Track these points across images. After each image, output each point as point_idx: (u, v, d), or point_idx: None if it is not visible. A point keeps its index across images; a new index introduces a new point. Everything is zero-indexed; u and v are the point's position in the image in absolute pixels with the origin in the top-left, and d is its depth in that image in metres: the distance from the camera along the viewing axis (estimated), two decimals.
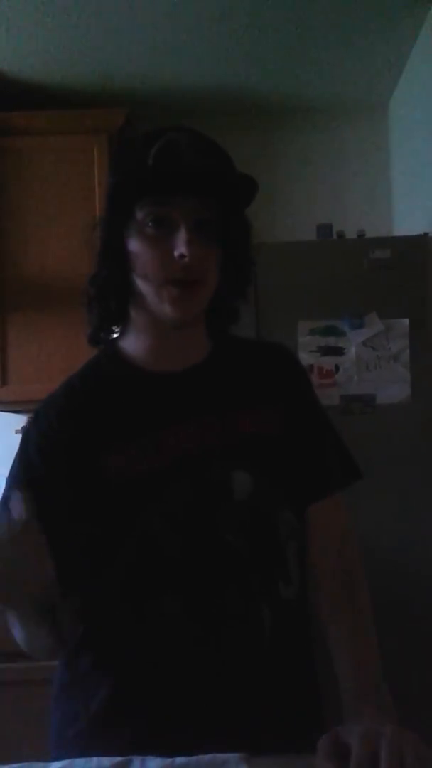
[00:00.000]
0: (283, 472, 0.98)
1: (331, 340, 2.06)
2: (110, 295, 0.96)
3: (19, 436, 2.83)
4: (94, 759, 0.78)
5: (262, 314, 1.97)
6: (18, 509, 0.78)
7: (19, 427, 2.78)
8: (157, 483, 0.91)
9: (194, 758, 0.77)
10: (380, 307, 2.10)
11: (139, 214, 0.91)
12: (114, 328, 1.00)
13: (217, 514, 0.92)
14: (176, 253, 0.89)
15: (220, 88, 2.71)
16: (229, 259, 0.96)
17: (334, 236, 2.30)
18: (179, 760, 0.77)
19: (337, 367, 2.07)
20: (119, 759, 0.78)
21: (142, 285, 0.93)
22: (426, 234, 2.20)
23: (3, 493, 0.95)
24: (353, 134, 2.95)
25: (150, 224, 0.91)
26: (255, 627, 0.91)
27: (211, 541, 0.92)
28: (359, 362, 2.08)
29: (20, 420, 2.77)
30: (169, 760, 0.77)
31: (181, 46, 2.44)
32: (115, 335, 1.02)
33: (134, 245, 0.92)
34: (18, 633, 0.91)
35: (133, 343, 0.99)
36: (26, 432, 0.98)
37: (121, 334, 1.00)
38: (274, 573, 0.95)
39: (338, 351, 2.06)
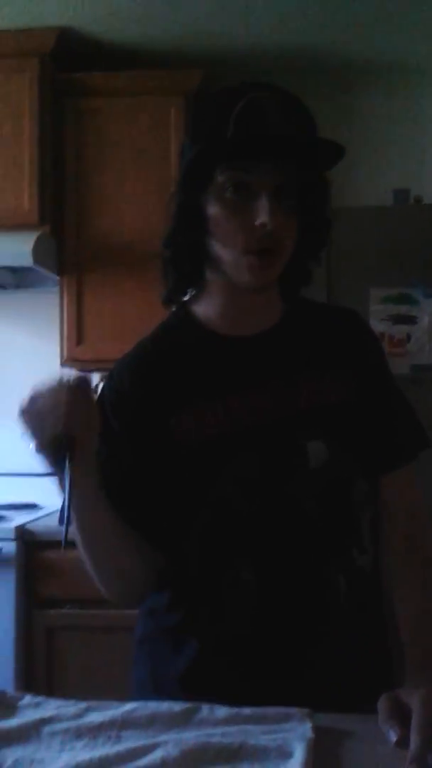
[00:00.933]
0: (356, 441, 0.98)
1: (404, 309, 2.03)
2: (185, 258, 0.97)
3: (94, 395, 2.90)
4: (166, 703, 0.82)
5: (334, 281, 1.95)
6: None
7: (94, 386, 2.87)
8: (229, 448, 0.93)
9: (260, 709, 0.81)
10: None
11: (219, 179, 0.89)
12: (188, 289, 1.01)
13: (292, 482, 0.94)
14: (257, 223, 0.87)
15: (298, 48, 2.65)
16: (307, 222, 0.94)
17: (411, 201, 2.24)
18: (246, 710, 0.81)
19: (408, 336, 2.04)
20: (189, 705, 0.82)
21: (220, 250, 0.92)
22: None
23: None
24: (402, 99, 2.83)
25: (230, 189, 0.89)
26: (330, 593, 0.94)
27: (287, 508, 0.93)
28: (431, 331, 2.04)
29: (95, 378, 2.86)
30: (236, 709, 0.81)
31: (260, 5, 2.39)
32: (188, 297, 1.03)
33: (213, 209, 0.91)
34: (95, 570, 0.96)
35: (206, 306, 1.00)
36: (101, 391, 1.00)
37: (195, 296, 1.01)
38: (348, 541, 0.96)
39: (410, 320, 2.03)
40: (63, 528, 0.87)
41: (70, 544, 0.87)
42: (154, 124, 2.56)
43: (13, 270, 2.69)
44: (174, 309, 1.05)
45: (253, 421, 0.94)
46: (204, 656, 0.95)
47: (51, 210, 2.54)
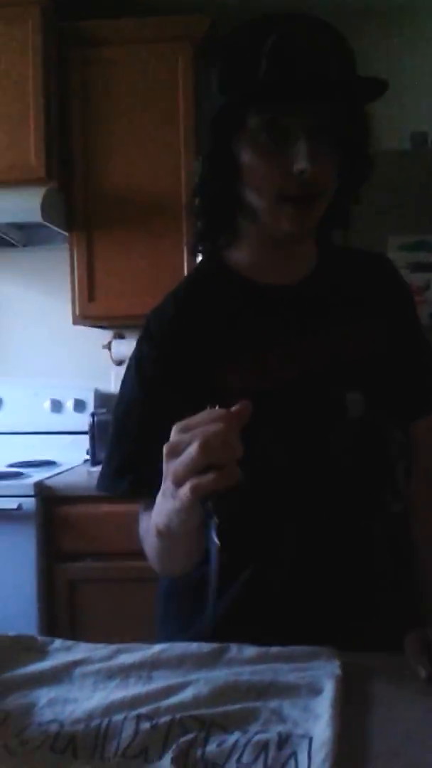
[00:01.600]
0: (391, 390, 0.98)
1: (422, 256, 1.99)
2: (217, 206, 0.93)
3: (106, 351, 2.89)
4: (195, 644, 0.84)
5: (350, 229, 1.89)
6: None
7: (106, 342, 2.87)
8: (273, 401, 0.91)
9: (288, 648, 0.82)
10: None
11: (252, 123, 0.84)
12: (220, 238, 0.97)
13: (331, 434, 0.93)
14: (296, 168, 0.82)
15: None
16: (348, 162, 0.89)
17: (429, 145, 2.18)
18: (274, 649, 0.82)
19: (428, 284, 2.01)
20: (218, 645, 0.83)
21: (254, 199, 0.88)
22: None
23: (117, 414, 0.97)
24: (425, 39, 2.73)
25: (264, 133, 0.83)
26: (366, 539, 0.95)
27: (325, 459, 0.93)
28: None
29: (107, 335, 2.85)
30: (264, 648, 0.82)
31: None
32: (220, 246, 0.99)
33: (246, 156, 0.86)
34: (157, 552, 0.90)
35: (240, 255, 0.97)
36: (139, 345, 0.97)
37: (227, 244, 0.98)
38: (383, 489, 0.96)
39: (429, 267, 1.99)
40: (211, 608, 0.78)
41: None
42: (161, 73, 2.49)
43: (21, 227, 2.67)
44: (202, 258, 1.02)
45: (294, 373, 0.92)
46: (240, 605, 0.95)
47: (58, 164, 2.50)
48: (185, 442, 0.69)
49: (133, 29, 2.50)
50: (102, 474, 0.97)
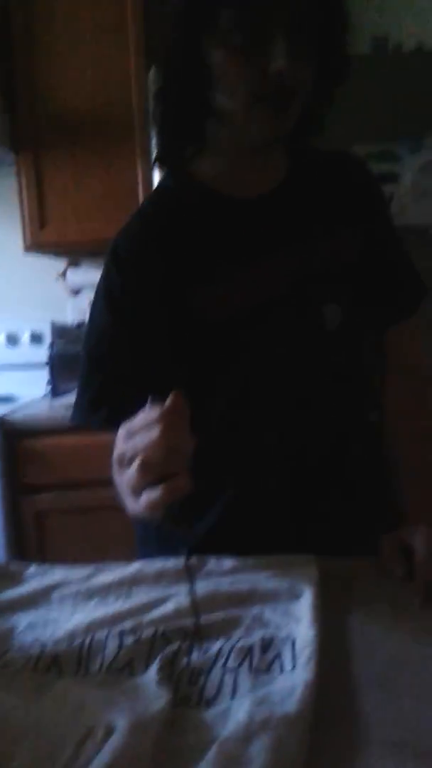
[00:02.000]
0: (367, 298, 0.97)
1: (386, 167, 1.95)
2: (184, 112, 0.87)
3: (61, 279, 2.82)
4: (172, 559, 0.83)
5: (314, 138, 1.83)
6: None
7: (61, 271, 2.78)
8: (250, 317, 0.89)
9: (266, 557, 0.82)
10: None
11: (224, 17, 0.78)
12: (186, 148, 0.92)
13: (310, 346, 0.92)
14: (272, 67, 0.77)
15: None
16: (324, 59, 0.82)
17: (390, 50, 2.10)
18: (251, 559, 0.82)
19: (391, 195, 1.97)
20: (196, 558, 0.83)
21: (226, 101, 0.82)
22: None
23: (89, 344, 0.93)
24: None
25: (238, 30, 0.77)
26: (345, 447, 0.96)
27: (305, 371, 0.93)
28: (414, 190, 1.97)
29: (61, 264, 2.76)
30: (242, 559, 0.82)
31: None
32: (187, 156, 0.93)
33: (218, 55, 0.80)
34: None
35: (208, 166, 0.92)
36: (106, 270, 0.93)
37: (194, 155, 0.92)
38: (361, 398, 0.98)
39: (393, 178, 1.95)
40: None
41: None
42: None
43: None
44: (165, 173, 0.97)
45: (271, 289, 0.90)
46: (225, 518, 0.95)
47: (1, 83, 2.34)
48: (129, 454, 0.67)
49: None
50: (76, 406, 0.94)
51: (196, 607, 0.71)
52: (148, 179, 2.28)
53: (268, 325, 0.90)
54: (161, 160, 0.94)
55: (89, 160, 2.39)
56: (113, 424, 0.88)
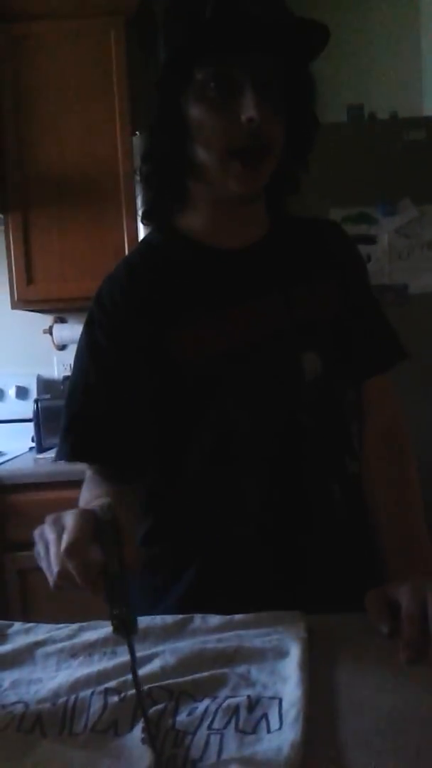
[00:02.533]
0: (345, 351, 0.99)
1: (363, 229, 2.01)
2: (167, 169, 0.92)
3: (48, 336, 2.85)
4: (158, 617, 0.83)
5: (292, 201, 1.89)
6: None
7: (47, 327, 2.81)
8: (230, 365, 0.92)
9: (252, 614, 0.82)
10: (414, 192, 2.03)
11: (199, 75, 0.84)
12: (171, 204, 0.96)
13: (289, 395, 0.94)
14: (244, 117, 0.82)
15: None
16: (294, 121, 0.89)
17: (366, 118, 2.20)
18: (238, 616, 0.82)
19: (368, 257, 2.03)
20: (182, 616, 0.82)
21: (204, 156, 0.87)
22: None
23: (70, 381, 0.97)
24: (384, 11, 2.76)
25: (212, 86, 0.83)
26: (326, 500, 0.96)
27: (284, 421, 0.94)
28: (391, 251, 2.04)
29: (47, 319, 2.79)
30: (228, 617, 0.82)
31: None
32: (171, 212, 0.98)
33: (195, 111, 0.86)
34: None
35: (192, 220, 0.96)
36: (89, 315, 0.96)
37: (178, 210, 0.97)
38: (340, 449, 0.99)
39: (370, 240, 2.02)
40: None
41: None
42: (93, 48, 2.42)
43: None
44: (152, 228, 1.01)
45: (248, 336, 0.92)
46: (203, 575, 0.95)
47: None
48: (46, 541, 0.73)
49: (62, 4, 2.42)
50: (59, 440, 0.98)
51: (135, 675, 0.68)
52: (134, 238, 2.33)
53: (244, 371, 0.92)
54: (147, 216, 0.99)
55: (76, 219, 2.45)
56: (77, 456, 0.94)
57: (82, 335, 0.96)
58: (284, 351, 0.94)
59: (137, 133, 2.15)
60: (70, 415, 0.95)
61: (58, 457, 0.95)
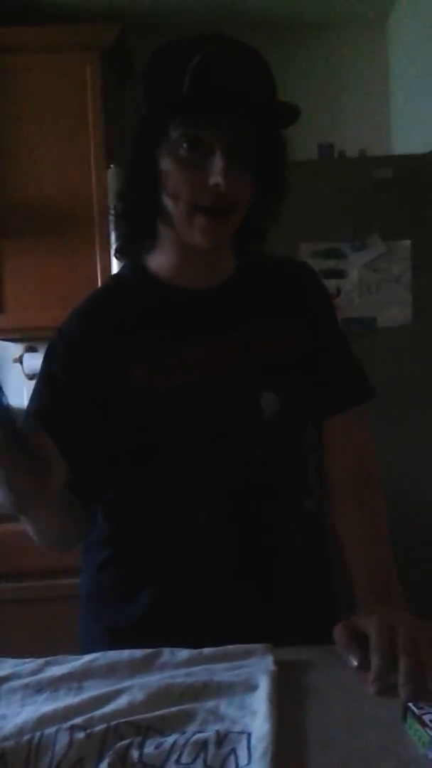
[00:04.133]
0: (305, 390, 1.00)
1: (332, 263, 2.05)
2: (138, 211, 0.94)
3: (18, 365, 2.83)
4: (126, 651, 0.82)
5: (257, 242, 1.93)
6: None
7: (17, 356, 2.79)
8: (183, 400, 0.93)
9: (221, 648, 0.81)
10: (382, 228, 2.08)
11: (173, 134, 0.87)
12: (142, 242, 0.99)
13: (246, 432, 0.95)
14: (210, 182, 0.85)
15: (216, 4, 2.61)
16: (264, 180, 0.92)
17: (336, 156, 2.26)
18: (207, 650, 0.81)
19: (338, 290, 2.06)
20: (150, 650, 0.82)
21: (171, 207, 0.90)
22: (430, 152, 2.16)
23: (26, 409, 0.97)
24: (351, 51, 2.86)
25: (183, 146, 0.86)
26: (280, 536, 0.97)
27: (241, 457, 0.95)
28: (361, 285, 2.07)
29: (18, 349, 2.77)
30: (197, 651, 0.81)
31: None
32: (142, 250, 1.00)
33: (166, 164, 0.89)
34: (29, 526, 0.94)
35: (159, 259, 0.98)
36: (50, 345, 0.98)
37: (149, 248, 0.99)
38: (296, 486, 0.99)
39: (340, 274, 2.05)
40: None
41: None
42: (69, 82, 2.46)
43: None
44: (124, 263, 1.04)
45: (206, 373, 0.94)
46: (159, 602, 0.95)
47: None
48: None
49: (39, 38, 2.45)
50: None
51: None
52: (107, 270, 2.34)
53: (199, 406, 0.94)
54: (120, 252, 1.01)
55: (49, 251, 2.46)
56: None
57: (41, 364, 0.98)
58: (241, 389, 0.95)
59: (111, 166, 2.17)
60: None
61: None
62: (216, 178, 0.85)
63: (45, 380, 0.97)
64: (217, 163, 0.85)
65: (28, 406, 0.98)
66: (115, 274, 1.06)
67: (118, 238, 0.99)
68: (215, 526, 0.94)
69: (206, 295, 0.98)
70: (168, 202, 0.90)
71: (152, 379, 0.92)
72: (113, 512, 0.99)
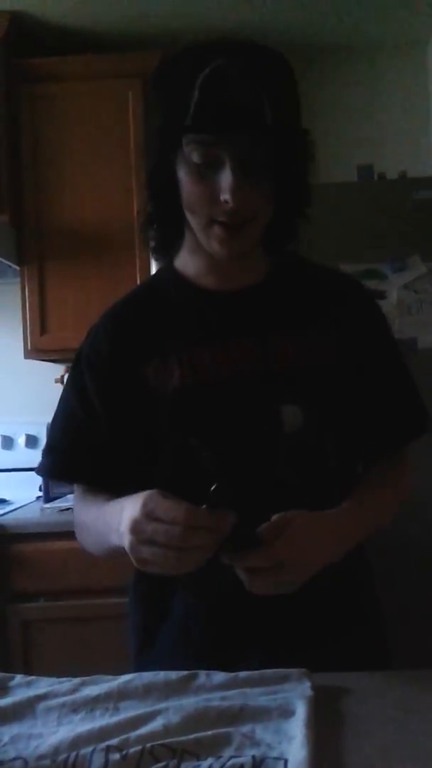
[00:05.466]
0: (335, 406, 0.95)
1: (373, 284, 2.04)
2: (163, 219, 0.95)
3: (59, 385, 2.88)
4: (162, 672, 0.81)
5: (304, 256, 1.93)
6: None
7: (59, 376, 2.83)
8: (195, 402, 0.92)
9: (257, 672, 0.80)
10: (423, 249, 2.07)
11: (186, 149, 0.85)
12: (172, 247, 1.00)
13: (263, 447, 0.91)
14: (221, 198, 0.84)
15: (257, 27, 2.64)
16: (284, 184, 0.89)
17: (375, 177, 2.25)
18: (243, 674, 0.80)
19: None
20: (185, 672, 0.81)
21: (190, 217, 0.90)
22: None
23: (56, 412, 1.02)
24: (392, 74, 2.86)
25: (195, 159, 0.85)
26: None
27: (259, 471, 0.91)
28: (401, 306, 2.05)
29: (59, 369, 2.81)
30: (233, 675, 0.81)
31: None
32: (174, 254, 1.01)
33: (182, 176, 0.88)
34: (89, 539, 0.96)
35: (187, 260, 0.99)
36: (80, 348, 1.01)
37: (178, 249, 1.00)
38: (322, 507, 0.91)
39: (380, 295, 2.04)
40: None
41: None
42: (112, 109, 2.51)
43: None
44: (159, 267, 1.05)
45: (221, 376, 0.92)
46: (188, 618, 0.95)
47: (9, 198, 2.49)
48: (150, 533, 0.75)
49: (81, 66, 2.53)
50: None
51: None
52: None
53: (207, 411, 0.92)
54: (154, 255, 1.03)
55: (90, 274, 2.50)
56: (51, 474, 1.02)
57: (72, 365, 1.01)
58: (258, 397, 0.91)
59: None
60: (50, 436, 1.02)
61: (37, 471, 1.02)
62: (225, 194, 0.83)
63: (71, 380, 1.00)
64: (227, 178, 0.83)
65: (59, 404, 1.01)
66: (150, 278, 1.08)
67: (151, 239, 0.99)
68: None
69: (231, 296, 0.96)
70: (187, 213, 0.90)
71: (163, 377, 0.92)
72: None
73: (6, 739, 0.71)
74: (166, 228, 0.97)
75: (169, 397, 0.92)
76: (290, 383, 0.92)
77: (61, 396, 1.01)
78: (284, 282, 0.99)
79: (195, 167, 0.86)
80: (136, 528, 0.76)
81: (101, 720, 0.74)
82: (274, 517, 0.79)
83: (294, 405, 0.91)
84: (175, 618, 0.97)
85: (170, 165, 0.89)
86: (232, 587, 0.84)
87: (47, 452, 1.01)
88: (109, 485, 0.94)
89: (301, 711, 0.72)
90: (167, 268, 1.02)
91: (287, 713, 0.73)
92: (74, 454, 0.98)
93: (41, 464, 1.01)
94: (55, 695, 0.80)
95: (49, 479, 1.01)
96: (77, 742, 0.69)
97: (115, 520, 0.82)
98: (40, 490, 2.58)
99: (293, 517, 0.80)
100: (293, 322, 0.95)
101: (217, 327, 0.95)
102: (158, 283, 1.03)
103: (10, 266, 2.51)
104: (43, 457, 1.01)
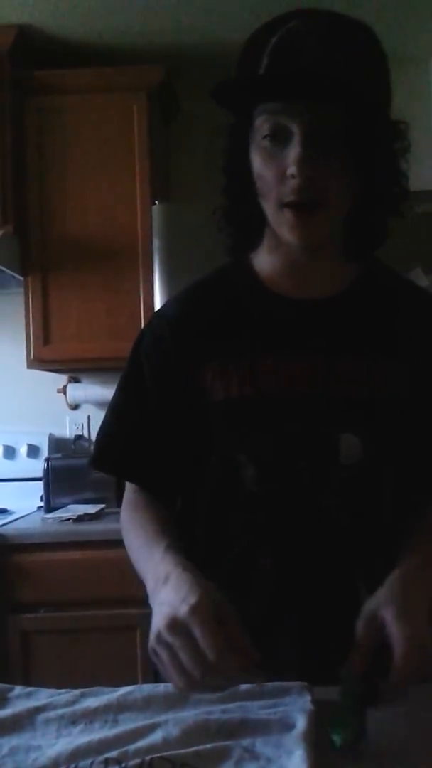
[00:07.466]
0: (398, 441, 0.88)
1: None
2: (239, 211, 0.89)
3: (61, 395, 2.87)
4: (162, 685, 0.81)
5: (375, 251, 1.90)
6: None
7: (61, 386, 2.83)
8: (250, 414, 0.87)
9: (258, 685, 0.80)
10: (425, 262, 2.07)
11: (256, 123, 0.80)
12: (249, 242, 0.93)
13: (316, 475, 0.86)
14: (288, 172, 0.78)
15: None
16: (369, 170, 0.81)
17: None
18: (244, 686, 0.80)
19: None
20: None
21: (264, 206, 0.84)
22: None
23: (112, 400, 0.99)
24: (394, 87, 2.87)
25: (266, 134, 0.79)
26: (349, 598, 0.83)
27: (308, 502, 0.86)
28: None
29: (62, 379, 2.82)
30: (233, 689, 0.80)
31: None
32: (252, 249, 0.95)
33: (254, 159, 0.83)
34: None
35: (263, 260, 0.92)
36: (140, 333, 0.97)
37: (256, 246, 0.93)
38: (374, 548, 0.87)
39: None
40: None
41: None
42: (116, 122, 2.53)
43: None
44: (232, 259, 0.97)
45: (280, 392, 0.86)
46: None
47: (14, 209, 2.50)
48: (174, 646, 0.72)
49: (87, 79, 2.55)
50: (94, 451, 1.00)
51: None
52: (150, 303, 2.37)
53: (259, 427, 0.86)
54: (230, 249, 0.95)
55: (94, 285, 2.52)
56: (120, 472, 0.98)
57: (131, 352, 0.97)
58: (315, 421, 0.85)
59: (156, 203, 2.22)
60: (102, 428, 0.98)
61: (92, 465, 0.99)
62: (291, 168, 0.77)
63: (132, 369, 0.96)
64: (294, 151, 0.77)
65: (114, 395, 0.98)
66: (219, 268, 0.97)
67: (227, 236, 0.92)
68: (279, 571, 0.87)
69: (304, 306, 0.89)
70: (261, 201, 0.84)
71: (221, 382, 0.87)
72: (181, 526, 0.93)
73: (5, 751, 0.71)
74: (244, 225, 0.90)
75: (223, 405, 0.87)
76: (353, 411, 0.86)
77: (120, 383, 0.97)
78: (363, 296, 0.91)
79: (264, 145, 0.80)
80: (162, 637, 0.73)
81: (100, 732, 0.73)
82: (360, 627, 0.74)
83: (354, 435, 0.85)
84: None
85: (244, 150, 0.84)
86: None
87: (103, 447, 0.98)
88: (159, 488, 0.93)
89: (301, 724, 0.72)
90: (242, 264, 0.94)
91: (287, 727, 0.73)
92: (128, 453, 0.95)
93: (94, 458, 0.98)
94: (55, 707, 0.79)
95: (105, 473, 1.00)
96: (76, 754, 0.68)
97: (152, 581, 0.80)
98: (41, 500, 2.58)
99: (382, 610, 0.74)
100: (366, 345, 0.88)
101: (284, 338, 0.88)
102: (229, 278, 0.95)
103: (14, 276, 2.52)
104: (96, 450, 0.98)
